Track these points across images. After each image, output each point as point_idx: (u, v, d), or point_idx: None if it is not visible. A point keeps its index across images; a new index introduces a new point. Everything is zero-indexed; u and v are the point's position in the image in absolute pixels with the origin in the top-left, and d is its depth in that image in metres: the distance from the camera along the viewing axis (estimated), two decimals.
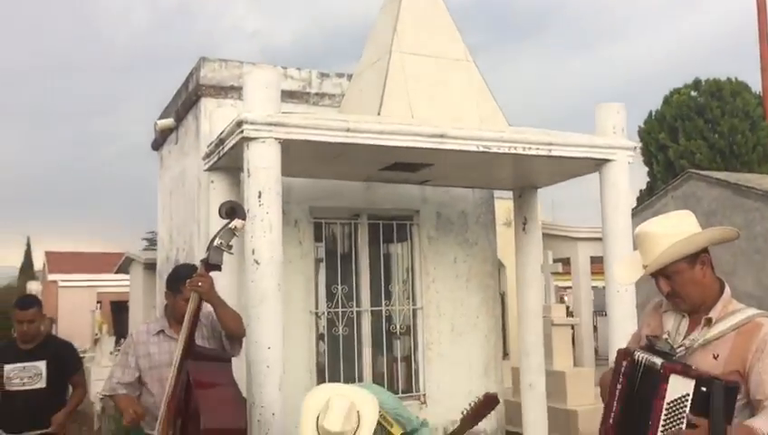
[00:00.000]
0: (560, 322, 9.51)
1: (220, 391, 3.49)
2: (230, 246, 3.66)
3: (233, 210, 3.71)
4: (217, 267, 3.64)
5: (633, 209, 11.15)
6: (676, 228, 2.52)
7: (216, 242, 3.63)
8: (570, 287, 15.61)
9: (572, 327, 12.06)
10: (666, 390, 2.30)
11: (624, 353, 2.49)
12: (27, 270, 40.44)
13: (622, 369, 2.45)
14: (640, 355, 2.41)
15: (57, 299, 23.40)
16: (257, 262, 4.42)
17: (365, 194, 6.67)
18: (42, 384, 4.64)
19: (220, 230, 3.67)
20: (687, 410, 2.27)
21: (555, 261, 11.17)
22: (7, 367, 4.64)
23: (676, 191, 11.49)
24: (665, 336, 2.52)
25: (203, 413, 3.29)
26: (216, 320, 3.81)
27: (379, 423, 3.63)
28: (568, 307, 14.99)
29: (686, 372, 2.30)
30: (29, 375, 4.63)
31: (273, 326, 4.41)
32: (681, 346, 2.47)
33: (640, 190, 19.54)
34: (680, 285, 2.50)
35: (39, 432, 4.41)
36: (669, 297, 2.55)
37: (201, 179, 5.97)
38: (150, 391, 3.90)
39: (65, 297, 23.02)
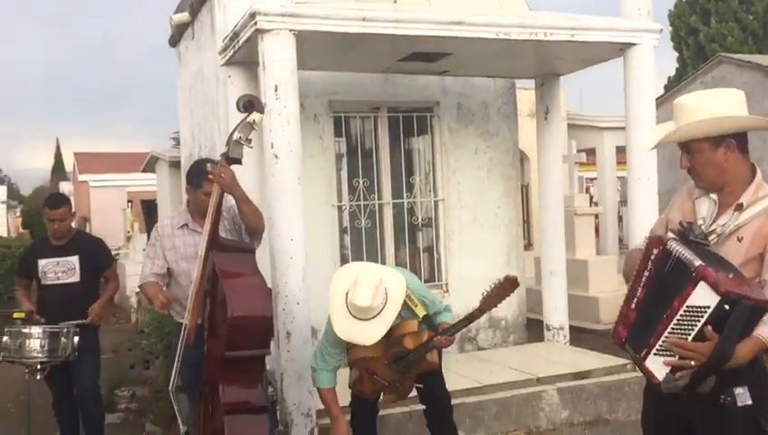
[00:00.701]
0: (582, 211, 9.54)
1: (246, 281, 3.59)
2: (249, 140, 3.69)
3: (250, 104, 3.72)
4: (238, 161, 3.68)
5: (660, 97, 10.92)
6: (711, 105, 2.43)
7: (236, 136, 3.65)
8: (596, 179, 15.49)
9: (597, 217, 12.10)
10: (690, 293, 2.24)
11: (656, 241, 2.43)
12: (58, 171, 41.22)
13: (652, 256, 2.40)
14: (673, 245, 2.35)
15: (89, 199, 23.89)
16: (276, 156, 4.45)
17: (384, 86, 6.59)
18: (75, 278, 4.82)
19: (239, 124, 3.69)
20: (702, 321, 2.22)
21: (580, 151, 11.07)
22: (42, 262, 4.82)
23: (705, 76, 11.18)
24: (699, 222, 2.48)
25: (230, 302, 3.39)
26: (237, 214, 3.89)
27: (404, 302, 3.76)
28: (591, 197, 14.95)
29: (715, 285, 2.20)
30: (63, 270, 4.81)
31: (294, 219, 4.49)
32: (712, 233, 2.44)
33: (669, 78, 19.04)
34: (699, 164, 2.46)
35: (76, 322, 4.61)
36: (689, 173, 2.52)
37: (219, 75, 5.92)
38: (179, 282, 4.05)
39: (96, 197, 23.45)
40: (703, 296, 2.22)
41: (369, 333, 3.64)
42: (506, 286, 3.68)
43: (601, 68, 6.44)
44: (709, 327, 2.21)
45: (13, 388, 7.01)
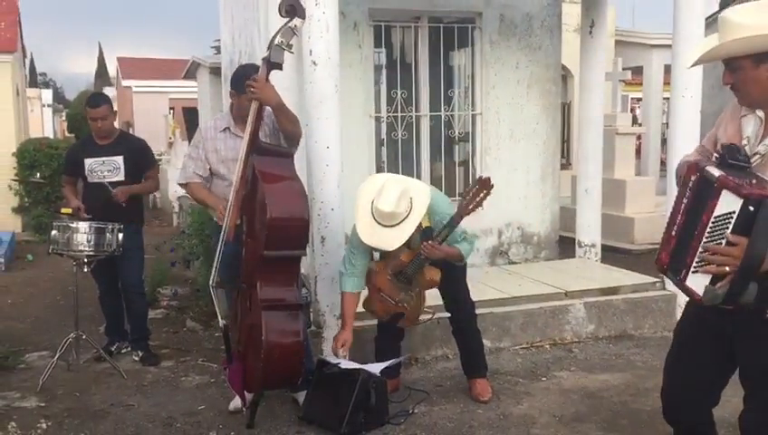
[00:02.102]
0: (624, 131, 9.40)
1: (284, 184, 3.70)
2: (290, 45, 3.74)
3: (292, 8, 3.75)
4: (278, 66, 3.74)
5: (713, 15, 10.49)
6: (755, 20, 2.33)
7: (277, 41, 3.70)
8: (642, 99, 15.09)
9: (639, 137, 11.89)
10: (715, 205, 2.23)
11: (694, 167, 2.39)
12: (102, 76, 41.60)
13: (690, 183, 2.37)
14: (710, 171, 2.30)
15: (132, 104, 24.17)
16: (315, 63, 4.46)
17: None
18: (120, 177, 4.99)
19: (280, 29, 3.73)
20: (731, 228, 2.21)
21: (626, 69, 10.79)
22: (88, 161, 4.99)
23: None
24: (744, 142, 2.43)
25: (269, 203, 3.51)
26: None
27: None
28: (635, 117, 14.63)
29: (737, 189, 2.19)
30: (108, 169, 4.97)
31: (331, 127, 4.52)
32: (756, 154, 2.38)
33: None
34: (741, 82, 2.40)
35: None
36: (731, 89, 2.46)
37: None
38: (220, 184, 4.15)
39: (139, 102, 23.73)
40: (727, 203, 2.22)
41: (390, 239, 3.73)
42: (480, 188, 3.78)
43: None
44: (731, 235, 2.20)
45: (62, 282, 7.39)
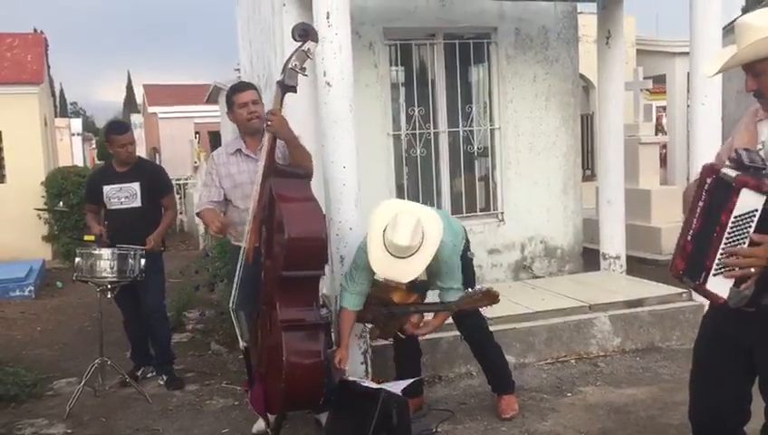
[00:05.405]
0: (647, 140, 9.30)
1: (302, 205, 3.71)
2: (304, 69, 3.79)
3: (305, 32, 3.80)
4: (293, 89, 3.79)
5: (732, 22, 10.37)
6: None
7: (291, 64, 3.76)
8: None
9: (664, 147, 11.75)
10: (735, 203, 2.17)
11: (710, 169, 2.34)
12: (130, 104, 42.35)
13: (706, 186, 2.32)
14: (727, 172, 2.26)
15: (158, 130, 24.53)
16: (329, 84, 4.48)
17: (440, 12, 6.49)
18: (137, 203, 5.06)
19: (294, 52, 3.78)
20: (753, 226, 2.16)
21: (649, 78, 10.69)
22: (106, 188, 5.08)
23: None
24: (759, 147, 2.38)
25: (287, 224, 3.52)
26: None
27: None
28: (662, 126, 14.46)
29: (758, 186, 2.15)
30: (126, 195, 5.05)
31: (346, 147, 4.53)
32: None
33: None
34: (766, 86, 2.36)
35: (136, 248, 4.85)
36: (755, 96, 2.42)
37: (274, 4, 5.95)
38: (236, 207, 4.21)
39: (165, 128, 24.08)
40: (748, 202, 2.17)
41: (402, 272, 3.69)
42: (484, 298, 3.83)
43: None
44: (755, 234, 2.15)
45: (90, 309, 7.47)
